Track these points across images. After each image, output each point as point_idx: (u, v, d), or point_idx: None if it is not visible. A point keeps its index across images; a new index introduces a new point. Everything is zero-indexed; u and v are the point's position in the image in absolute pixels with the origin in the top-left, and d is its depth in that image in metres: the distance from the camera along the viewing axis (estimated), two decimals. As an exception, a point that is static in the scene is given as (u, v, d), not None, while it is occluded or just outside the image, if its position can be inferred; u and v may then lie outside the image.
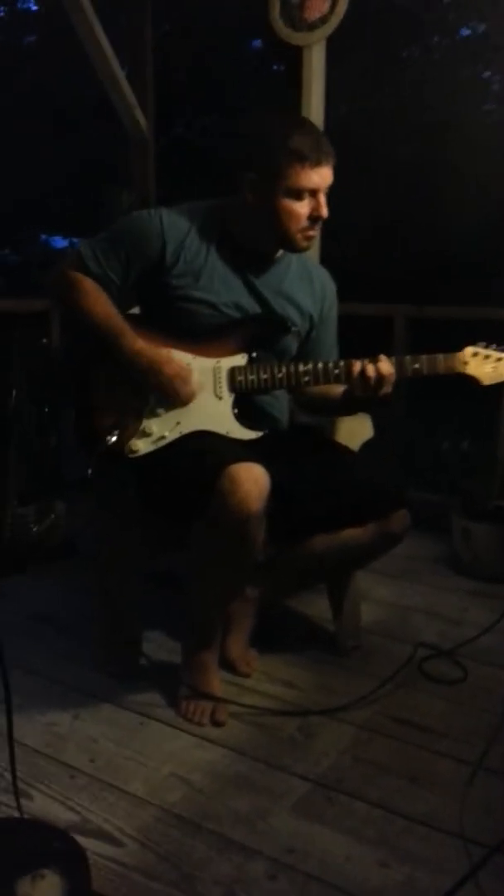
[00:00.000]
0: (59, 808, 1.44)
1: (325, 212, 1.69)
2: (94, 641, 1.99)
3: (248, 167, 1.69)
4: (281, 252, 1.83)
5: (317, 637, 2.11)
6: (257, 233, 1.76)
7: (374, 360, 1.68)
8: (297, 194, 1.67)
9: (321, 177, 1.66)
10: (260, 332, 1.79)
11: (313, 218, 1.70)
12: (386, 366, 1.67)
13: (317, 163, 1.65)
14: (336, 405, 1.85)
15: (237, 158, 1.74)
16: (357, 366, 1.69)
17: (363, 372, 1.67)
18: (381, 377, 1.66)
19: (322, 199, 1.69)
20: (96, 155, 6.38)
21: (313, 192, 1.67)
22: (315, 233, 1.74)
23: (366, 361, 1.68)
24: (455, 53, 6.23)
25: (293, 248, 1.76)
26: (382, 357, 1.68)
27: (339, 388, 1.79)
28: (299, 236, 1.72)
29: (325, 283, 1.95)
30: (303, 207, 1.68)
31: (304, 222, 1.69)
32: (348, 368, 1.70)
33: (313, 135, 1.67)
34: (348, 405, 1.81)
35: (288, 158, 1.64)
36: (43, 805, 1.44)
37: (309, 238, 1.74)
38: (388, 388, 1.69)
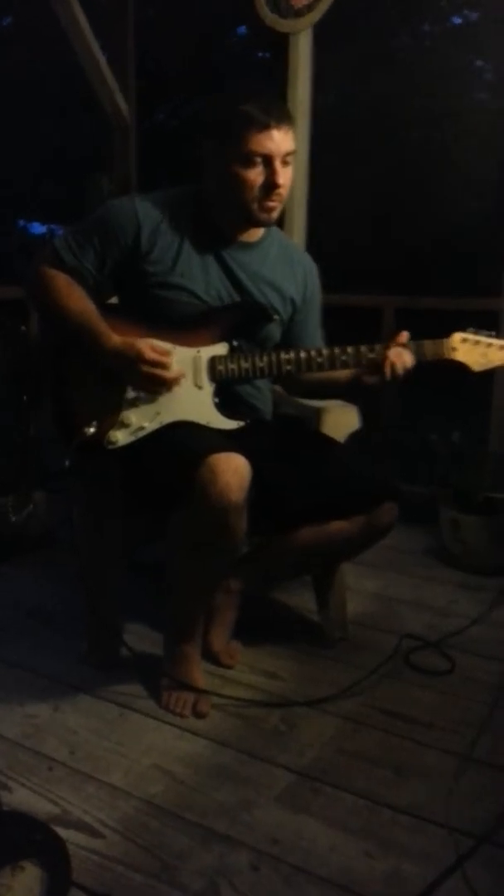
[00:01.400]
0: (38, 800, 1.41)
1: (280, 179, 1.63)
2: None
3: (205, 136, 1.67)
4: (259, 235, 1.80)
5: (302, 629, 2.09)
6: (225, 209, 1.73)
7: (386, 347, 1.67)
8: (249, 160, 1.61)
9: (273, 141, 1.61)
10: (241, 321, 1.76)
11: (267, 186, 1.64)
12: (407, 356, 1.67)
13: (266, 126, 1.60)
14: (335, 389, 1.84)
15: (197, 134, 1.71)
16: (378, 356, 1.68)
17: (383, 363, 1.67)
18: (395, 368, 1.66)
19: (278, 166, 1.63)
20: (76, 140, 6.32)
21: (267, 159, 1.62)
22: (274, 204, 1.68)
23: (383, 348, 1.68)
24: (447, 42, 6.20)
25: (253, 220, 1.71)
26: (397, 347, 1.67)
27: (338, 373, 1.77)
28: (255, 206, 1.67)
29: (307, 266, 1.92)
30: (256, 175, 1.63)
31: (257, 191, 1.64)
32: (356, 357, 1.69)
33: (265, 100, 1.63)
34: (349, 391, 1.79)
35: (238, 124, 1.60)
36: (22, 797, 1.41)
37: (267, 210, 1.68)
38: (404, 374, 1.68)
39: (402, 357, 1.68)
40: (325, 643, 2.00)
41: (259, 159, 1.62)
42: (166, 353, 1.67)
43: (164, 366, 1.66)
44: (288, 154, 1.64)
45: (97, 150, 3.68)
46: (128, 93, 3.43)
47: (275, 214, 1.72)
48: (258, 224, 1.74)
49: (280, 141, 1.62)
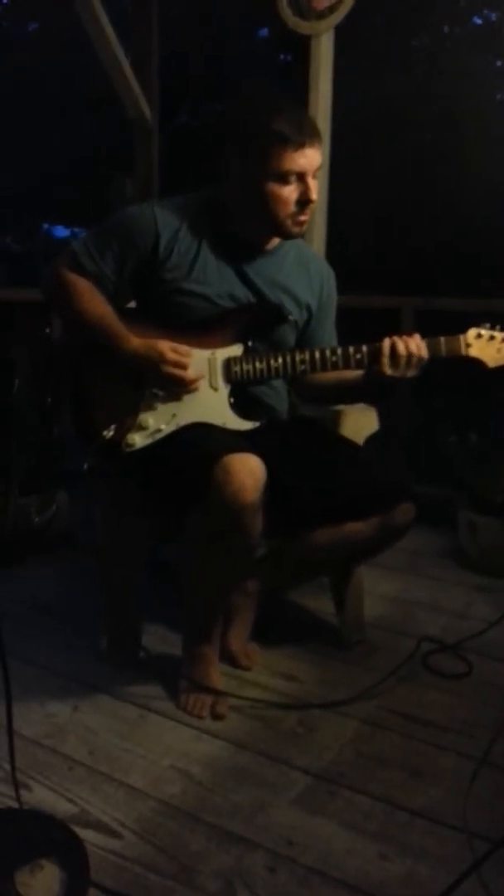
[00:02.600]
0: (58, 799, 1.43)
1: (314, 195, 1.66)
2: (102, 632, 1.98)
3: (233, 154, 1.67)
4: (276, 242, 1.81)
5: (319, 631, 2.10)
6: (249, 221, 1.74)
7: (401, 338, 1.66)
8: (283, 178, 1.63)
9: (307, 159, 1.63)
10: (255, 322, 1.77)
11: (302, 202, 1.66)
12: (416, 343, 1.65)
13: (300, 144, 1.61)
14: (351, 392, 1.83)
15: (221, 146, 1.72)
16: (387, 343, 1.66)
17: (394, 349, 1.65)
18: (410, 354, 1.65)
19: (310, 182, 1.65)
20: (99, 143, 6.34)
21: (300, 176, 1.64)
22: (306, 217, 1.70)
23: (394, 339, 1.66)
24: (467, 42, 6.16)
25: (285, 234, 1.73)
26: (406, 337, 1.66)
27: (353, 374, 1.77)
28: (289, 222, 1.69)
29: (323, 273, 1.93)
30: (290, 192, 1.65)
31: (293, 207, 1.66)
32: (376, 351, 1.68)
33: (296, 116, 1.64)
34: (365, 391, 1.78)
35: (271, 142, 1.61)
36: (42, 796, 1.43)
37: (300, 223, 1.70)
38: (418, 369, 1.67)
39: (409, 343, 1.66)
40: (343, 645, 2.01)
41: (294, 177, 1.63)
42: (187, 354, 1.69)
43: (184, 366, 1.68)
44: (318, 169, 1.67)
45: (119, 151, 3.70)
46: (150, 94, 3.44)
47: (305, 227, 1.74)
48: (289, 237, 1.76)
49: (313, 157, 1.64)
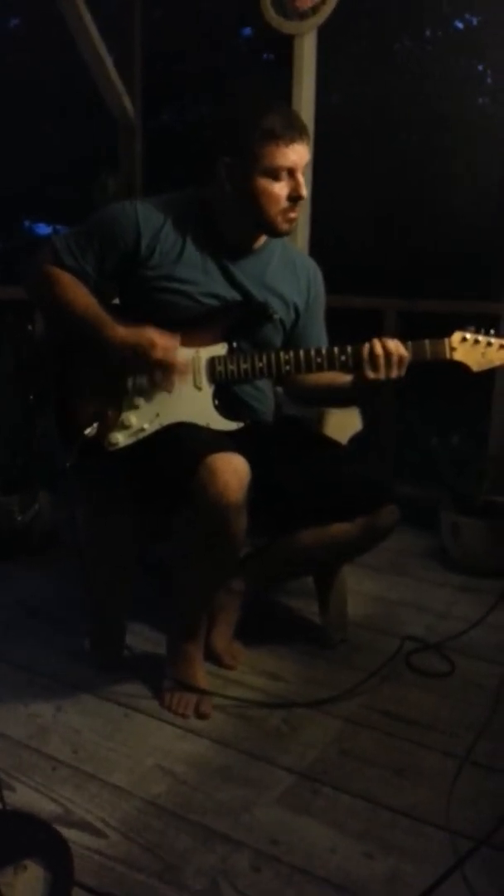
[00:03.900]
0: (41, 799, 1.42)
1: (304, 191, 1.67)
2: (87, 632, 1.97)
3: (222, 152, 1.67)
4: (262, 241, 1.81)
5: (303, 630, 2.10)
6: (237, 219, 1.74)
7: (378, 340, 1.67)
8: (274, 174, 1.64)
9: (297, 154, 1.64)
10: (240, 321, 1.77)
11: (292, 198, 1.67)
12: (394, 344, 1.66)
13: (291, 140, 1.62)
14: (340, 393, 1.83)
15: (211, 145, 1.72)
16: (366, 348, 1.67)
17: (372, 352, 1.66)
18: (388, 354, 1.65)
19: (300, 178, 1.66)
20: (81, 140, 6.32)
21: (291, 172, 1.65)
22: (296, 214, 1.71)
23: (373, 341, 1.67)
24: (449, 46, 6.21)
25: (274, 231, 1.73)
26: (384, 339, 1.67)
27: (344, 376, 1.78)
28: (280, 218, 1.69)
29: (311, 272, 1.93)
30: (281, 188, 1.65)
31: (284, 203, 1.67)
32: (357, 354, 1.68)
33: (285, 113, 1.66)
34: (352, 393, 1.79)
35: (261, 138, 1.61)
36: (26, 797, 1.42)
37: (290, 220, 1.71)
38: (400, 370, 1.67)
39: (384, 342, 1.66)
40: (327, 645, 2.02)
41: (285, 173, 1.64)
42: (173, 337, 1.68)
43: (173, 349, 1.68)
44: (307, 165, 1.68)
45: (103, 150, 3.69)
46: (134, 94, 3.43)
47: (295, 224, 1.74)
48: (279, 234, 1.75)
49: (302, 153, 1.65)
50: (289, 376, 1.81)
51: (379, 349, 1.66)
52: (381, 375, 1.67)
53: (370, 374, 1.67)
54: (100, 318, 1.69)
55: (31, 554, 2.56)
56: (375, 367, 1.67)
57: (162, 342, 1.66)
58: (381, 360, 1.66)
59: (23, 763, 1.52)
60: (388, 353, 1.66)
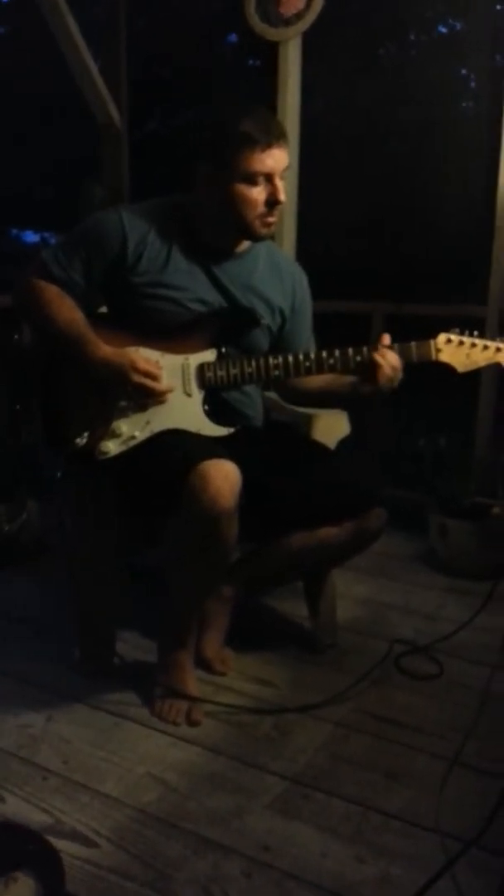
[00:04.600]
0: (32, 810, 1.42)
1: (282, 196, 1.68)
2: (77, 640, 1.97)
3: (201, 157, 1.68)
4: (246, 245, 1.82)
5: (293, 635, 2.11)
6: (217, 224, 1.75)
7: (372, 349, 1.68)
8: (251, 179, 1.65)
9: (274, 159, 1.65)
10: (228, 326, 1.78)
11: (270, 203, 1.68)
12: (392, 356, 1.68)
13: (268, 145, 1.63)
14: (336, 398, 1.86)
15: (191, 150, 1.73)
16: (369, 356, 1.68)
17: (361, 363, 1.68)
18: (376, 365, 1.67)
19: (278, 182, 1.67)
20: (68, 149, 6.30)
21: (268, 177, 1.66)
22: (274, 219, 1.72)
23: (368, 349, 1.69)
24: (432, 51, 6.24)
25: (253, 235, 1.74)
26: (382, 349, 1.68)
27: (340, 381, 1.79)
28: (258, 223, 1.70)
29: (296, 275, 1.94)
30: (258, 193, 1.66)
31: (262, 208, 1.68)
32: (345, 357, 1.70)
33: (262, 118, 1.66)
34: (349, 398, 1.81)
35: (238, 143, 1.62)
36: (16, 807, 1.42)
37: (268, 225, 1.72)
38: (393, 380, 1.69)
39: (386, 357, 1.68)
40: (317, 649, 2.02)
41: (262, 178, 1.65)
42: (156, 365, 1.69)
43: (155, 377, 1.68)
44: (285, 170, 1.68)
45: (89, 157, 3.69)
46: (119, 101, 3.44)
47: (273, 228, 1.76)
48: (258, 239, 1.77)
49: (280, 158, 1.66)
50: (278, 381, 1.82)
51: (387, 367, 1.67)
52: (377, 388, 1.69)
53: (366, 389, 1.70)
54: (82, 335, 1.69)
55: (19, 563, 2.55)
56: (376, 382, 1.69)
57: (143, 367, 1.67)
58: (381, 377, 1.68)
59: (13, 773, 1.52)
60: (384, 373, 1.68)
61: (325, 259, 3.17)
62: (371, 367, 1.69)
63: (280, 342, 1.90)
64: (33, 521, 2.61)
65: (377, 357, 1.68)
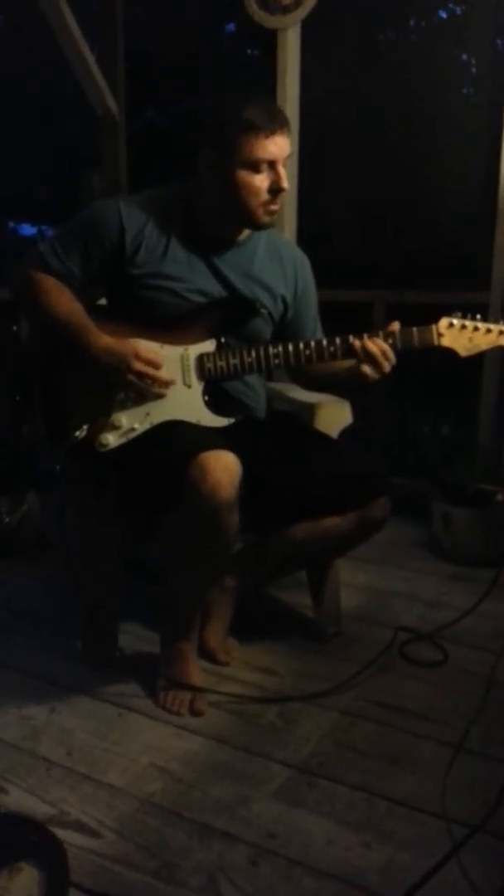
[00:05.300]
0: (36, 801, 1.41)
1: (284, 183, 1.66)
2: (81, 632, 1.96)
3: (203, 144, 1.67)
4: (246, 233, 1.80)
5: (297, 624, 2.10)
6: (219, 213, 1.73)
7: (361, 337, 1.67)
8: (255, 166, 1.63)
9: (277, 146, 1.63)
10: (228, 316, 1.76)
11: (273, 190, 1.66)
12: (379, 343, 1.66)
13: (271, 132, 1.61)
14: (338, 384, 1.84)
15: (194, 138, 1.71)
16: (357, 343, 1.67)
17: (353, 348, 1.66)
18: (369, 352, 1.65)
19: (281, 170, 1.65)
20: (66, 140, 6.28)
21: (271, 164, 1.64)
22: (277, 206, 1.70)
23: (362, 337, 1.67)
24: (433, 36, 6.20)
25: (255, 223, 1.72)
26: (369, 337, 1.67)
27: (342, 367, 1.77)
28: (260, 210, 1.68)
29: (298, 261, 1.92)
30: (262, 180, 1.65)
31: (265, 195, 1.66)
32: (345, 344, 1.68)
33: (266, 104, 1.65)
34: (353, 383, 1.79)
35: (241, 130, 1.61)
36: (19, 798, 1.42)
37: (271, 213, 1.70)
38: (387, 365, 1.67)
39: (376, 343, 1.67)
40: (321, 638, 2.02)
41: (265, 165, 1.63)
42: (157, 354, 1.68)
43: (156, 365, 1.67)
44: (288, 157, 1.67)
45: (87, 148, 3.68)
46: (117, 91, 3.42)
47: (275, 216, 1.74)
48: (261, 227, 1.75)
49: (283, 145, 1.64)
50: (278, 370, 1.80)
51: (369, 345, 1.66)
52: (378, 373, 1.68)
53: (364, 370, 1.68)
54: (82, 325, 1.68)
55: (19, 555, 2.55)
56: (374, 363, 1.67)
57: (145, 355, 1.66)
58: (379, 355, 1.66)
59: (16, 765, 1.51)
60: (383, 351, 1.66)
61: (325, 247, 3.15)
62: (367, 354, 1.67)
63: (284, 330, 1.89)
64: (34, 514, 2.60)
65: (368, 343, 1.66)
